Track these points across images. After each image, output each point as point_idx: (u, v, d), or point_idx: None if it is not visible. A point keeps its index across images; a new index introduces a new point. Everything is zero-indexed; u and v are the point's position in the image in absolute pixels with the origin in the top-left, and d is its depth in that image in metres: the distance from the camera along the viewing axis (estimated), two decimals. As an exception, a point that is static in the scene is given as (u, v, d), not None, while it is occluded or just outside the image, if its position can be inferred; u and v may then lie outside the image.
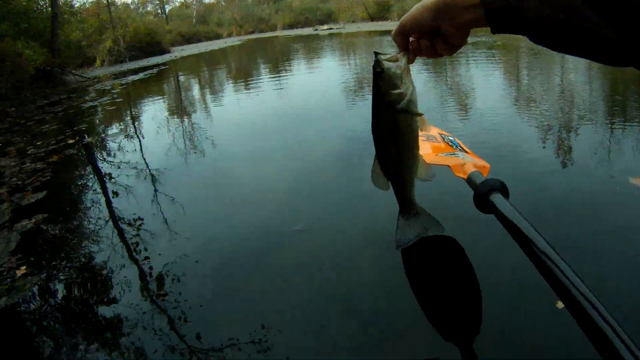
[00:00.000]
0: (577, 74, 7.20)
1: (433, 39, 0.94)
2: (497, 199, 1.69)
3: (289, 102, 7.33)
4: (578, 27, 0.65)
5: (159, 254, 2.71)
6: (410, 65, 1.07)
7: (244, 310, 2.09)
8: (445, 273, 2.26)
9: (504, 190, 1.80)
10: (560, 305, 1.82)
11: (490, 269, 2.17)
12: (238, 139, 5.34)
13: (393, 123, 1.13)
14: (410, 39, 1.00)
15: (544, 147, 3.73)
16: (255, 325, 1.96)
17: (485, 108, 5.27)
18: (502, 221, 1.58)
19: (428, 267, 2.32)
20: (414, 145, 1.19)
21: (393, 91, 1.07)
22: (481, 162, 2.43)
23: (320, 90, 8.01)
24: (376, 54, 1.08)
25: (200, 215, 3.25)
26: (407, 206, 1.36)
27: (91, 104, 9.87)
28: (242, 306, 2.13)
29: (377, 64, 1.06)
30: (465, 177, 2.09)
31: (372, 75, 1.11)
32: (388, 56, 1.07)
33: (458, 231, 2.48)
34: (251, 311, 2.07)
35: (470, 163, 2.28)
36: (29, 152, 5.73)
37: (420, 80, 8.12)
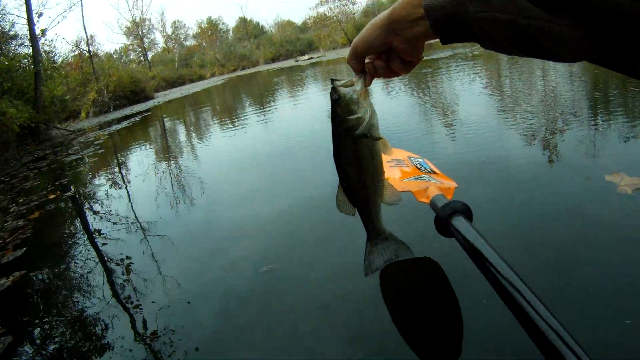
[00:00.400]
0: (556, 84, 7.31)
1: (388, 59, 0.95)
2: (458, 222, 1.68)
3: (274, 137, 7.22)
4: (526, 27, 0.64)
5: (153, 302, 2.66)
6: (368, 87, 1.08)
7: (242, 352, 2.04)
8: (423, 296, 2.20)
9: (466, 212, 1.80)
10: None
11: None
12: (225, 179, 5.34)
13: (354, 149, 1.13)
14: (366, 60, 1.01)
15: (519, 158, 3.71)
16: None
17: (461, 122, 5.36)
18: (462, 245, 1.57)
19: (405, 292, 2.27)
20: (378, 170, 1.19)
21: (351, 117, 1.07)
22: (447, 184, 2.42)
23: (305, 121, 8.14)
24: (332, 80, 1.08)
25: (192, 259, 3.20)
26: (374, 232, 1.35)
27: (75, 156, 9.98)
28: (240, 348, 2.08)
29: (334, 91, 1.07)
30: (428, 201, 2.08)
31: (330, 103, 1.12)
32: (344, 81, 1.07)
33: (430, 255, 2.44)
34: (251, 354, 2.02)
35: (434, 186, 2.27)
36: (11, 210, 5.76)
37: (390, 97, 8.40)
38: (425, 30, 0.81)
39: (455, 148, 4.30)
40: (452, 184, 2.43)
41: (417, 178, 2.45)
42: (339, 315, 2.14)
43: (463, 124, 5.19)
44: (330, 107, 1.10)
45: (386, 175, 2.30)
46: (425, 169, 2.66)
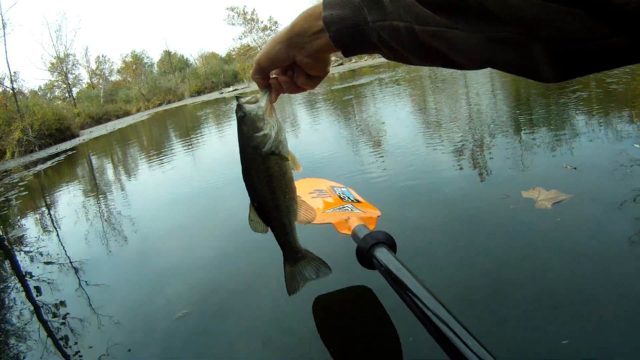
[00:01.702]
0: (477, 103, 7.70)
1: (294, 74, 0.94)
2: (380, 253, 1.62)
3: (201, 172, 7.30)
4: (423, 33, 0.62)
5: (90, 347, 2.62)
6: (274, 103, 1.05)
7: None
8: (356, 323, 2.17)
9: (389, 242, 1.74)
10: None
11: (374, 331, 2.11)
12: (156, 215, 5.26)
13: (263, 167, 1.09)
14: (271, 75, 0.99)
15: (442, 180, 3.75)
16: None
17: (386, 146, 5.52)
18: (385, 277, 1.51)
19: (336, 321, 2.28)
20: (289, 187, 1.15)
21: (257, 134, 1.04)
22: (370, 212, 2.37)
23: (231, 154, 7.77)
24: (237, 98, 1.05)
25: (127, 299, 3.17)
26: (290, 251, 1.31)
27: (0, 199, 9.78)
28: None
29: (239, 108, 1.03)
30: (350, 232, 2.01)
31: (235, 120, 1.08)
32: (248, 98, 1.04)
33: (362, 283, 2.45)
34: None
35: (356, 216, 2.20)
36: None
37: (314, 125, 8.64)
38: (327, 43, 0.79)
39: (380, 173, 4.40)
40: (375, 213, 2.40)
41: (339, 208, 2.38)
42: (283, 346, 2.15)
43: (388, 149, 5.32)
44: (236, 124, 1.07)
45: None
46: (348, 198, 2.62)
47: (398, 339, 1.97)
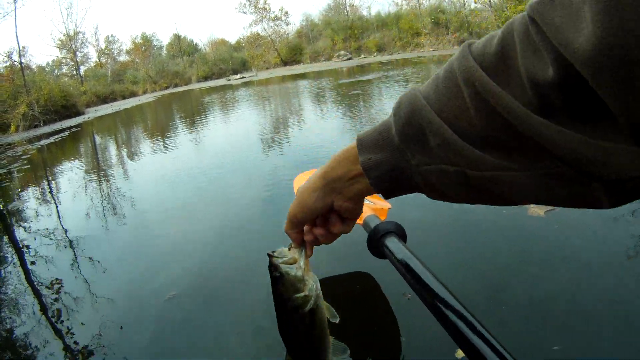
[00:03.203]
0: None
1: (327, 221, 0.88)
2: (391, 242, 1.60)
3: (204, 156, 7.36)
4: (476, 177, 0.59)
5: (82, 323, 2.63)
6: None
7: None
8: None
9: (399, 232, 1.72)
10: (460, 354, 1.80)
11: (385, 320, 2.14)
12: (156, 196, 5.26)
13: (301, 323, 1.04)
14: (305, 227, 0.94)
15: None
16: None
17: None
18: (396, 266, 1.50)
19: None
20: (324, 333, 1.09)
21: (297, 295, 0.98)
22: (380, 204, 2.38)
23: (235, 141, 8.10)
24: (270, 256, 0.99)
25: (122, 278, 3.17)
26: None
27: (1, 171, 9.79)
28: None
29: (274, 268, 0.97)
30: (361, 222, 1.99)
31: (269, 276, 1.01)
32: (284, 258, 0.97)
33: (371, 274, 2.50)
34: None
35: (367, 207, 2.19)
36: None
37: (336, 121, 8.42)
38: (368, 187, 0.74)
39: None
40: (386, 205, 2.40)
41: None
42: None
43: None
44: (271, 282, 0.99)
45: None
46: None
47: (397, 326, 2.04)
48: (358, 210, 0.84)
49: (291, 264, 0.96)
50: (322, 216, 0.88)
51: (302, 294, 0.96)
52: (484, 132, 0.55)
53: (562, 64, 0.42)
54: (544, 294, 2.10)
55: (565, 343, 1.77)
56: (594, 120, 0.44)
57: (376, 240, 1.69)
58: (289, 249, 0.98)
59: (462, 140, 0.58)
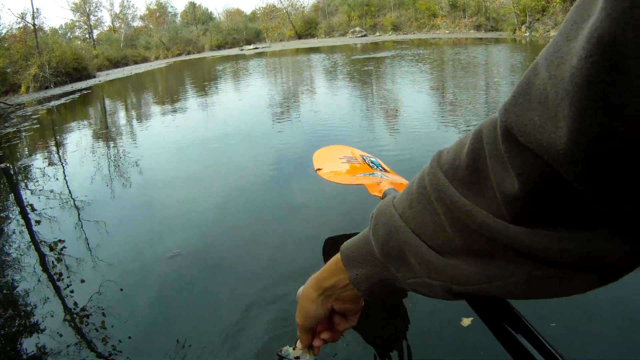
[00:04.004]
0: (498, 85, 7.75)
1: (331, 322, 0.90)
2: None
3: (213, 125, 7.35)
4: (459, 290, 0.59)
5: (82, 281, 2.66)
6: None
7: (170, 337, 2.03)
8: None
9: None
10: (465, 322, 1.85)
11: None
12: (163, 162, 5.28)
13: None
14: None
15: None
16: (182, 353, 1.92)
17: (411, 120, 5.66)
18: None
19: None
20: None
21: None
22: (399, 180, 2.42)
23: (244, 111, 8.13)
24: (280, 357, 1.01)
25: (125, 241, 3.18)
26: None
27: (11, 129, 9.80)
28: (168, 334, 2.06)
29: None
30: (380, 195, 2.06)
31: None
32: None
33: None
34: (178, 339, 2.01)
35: (386, 181, 2.27)
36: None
37: (347, 96, 8.46)
38: (359, 294, 0.76)
39: (403, 147, 4.46)
40: (404, 181, 2.43)
41: (369, 174, 2.47)
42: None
43: (409, 124, 5.46)
44: None
45: (335, 169, 2.73)
46: (377, 166, 2.70)
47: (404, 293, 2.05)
48: (358, 307, 0.85)
49: None
50: (327, 319, 0.88)
51: None
52: (464, 247, 0.55)
53: (526, 179, 0.44)
54: None
55: (560, 321, 1.81)
56: (569, 221, 0.45)
57: None
58: (294, 349, 0.98)
59: (443, 258, 0.58)
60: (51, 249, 3.23)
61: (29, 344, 2.16)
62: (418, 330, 1.89)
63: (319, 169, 2.70)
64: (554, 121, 0.39)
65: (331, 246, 2.74)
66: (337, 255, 0.77)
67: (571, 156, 0.38)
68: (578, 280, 0.48)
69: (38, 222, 3.81)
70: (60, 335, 2.17)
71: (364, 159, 2.77)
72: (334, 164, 2.77)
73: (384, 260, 0.67)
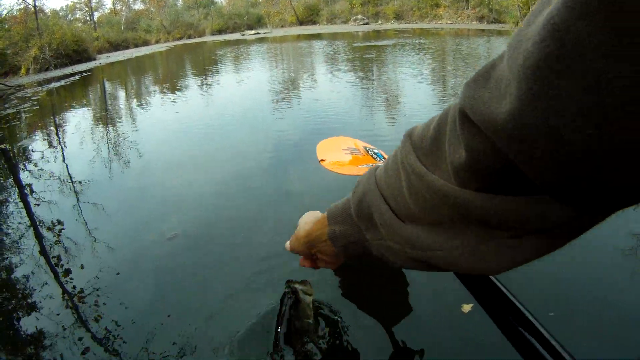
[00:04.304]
0: None
1: (314, 258, 1.02)
2: None
3: (213, 109, 7.18)
4: (416, 255, 0.63)
5: (82, 266, 2.65)
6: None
7: (168, 324, 2.03)
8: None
9: None
10: (466, 309, 1.88)
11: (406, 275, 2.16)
12: (163, 146, 5.29)
13: (298, 340, 1.20)
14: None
15: None
16: (180, 339, 1.91)
17: (412, 110, 5.68)
18: None
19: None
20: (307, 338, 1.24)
21: (304, 320, 1.13)
22: None
23: (244, 97, 8.12)
24: (291, 281, 1.15)
25: (124, 225, 3.18)
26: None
27: (10, 111, 9.80)
28: (165, 320, 2.05)
29: (293, 293, 1.12)
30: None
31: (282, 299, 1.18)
32: (303, 287, 1.12)
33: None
34: (175, 325, 2.01)
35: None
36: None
37: (348, 84, 8.47)
38: (335, 250, 0.85)
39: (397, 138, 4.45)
40: None
41: (372, 165, 2.40)
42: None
43: (410, 114, 5.51)
44: (283, 302, 1.15)
45: (339, 160, 2.77)
46: (380, 158, 2.76)
47: (405, 279, 2.11)
48: (336, 264, 0.96)
49: (308, 294, 1.12)
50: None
51: (308, 320, 1.12)
52: (418, 213, 0.60)
53: (472, 152, 0.47)
54: (537, 289, 2.09)
55: (558, 311, 1.83)
56: (513, 190, 0.47)
57: None
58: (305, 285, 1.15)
59: (402, 222, 0.65)
60: (49, 231, 3.25)
61: (25, 324, 2.17)
62: (418, 315, 1.89)
63: (322, 160, 2.74)
64: (500, 99, 0.41)
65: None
66: (323, 215, 0.89)
67: (507, 133, 0.41)
68: (525, 245, 0.51)
69: (37, 204, 3.82)
70: (59, 317, 2.18)
71: (367, 150, 2.82)
72: (337, 154, 2.81)
73: (357, 220, 0.75)
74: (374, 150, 2.87)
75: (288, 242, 1.09)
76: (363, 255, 0.80)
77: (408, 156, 0.61)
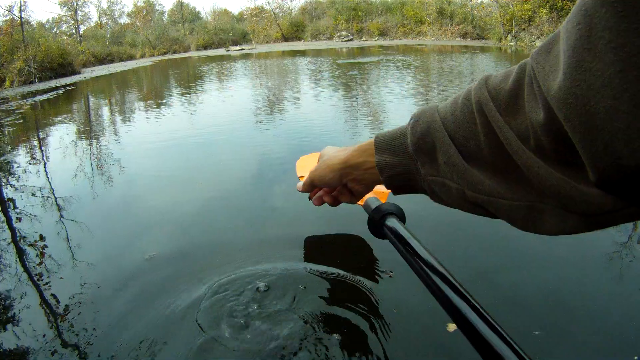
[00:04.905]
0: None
1: (338, 192, 1.02)
2: (391, 223, 1.57)
3: (197, 126, 7.21)
4: (473, 197, 0.65)
5: (62, 278, 2.67)
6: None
7: (149, 336, 2.03)
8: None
9: (399, 214, 1.68)
10: (451, 327, 1.89)
11: (385, 293, 2.20)
12: (145, 162, 5.30)
13: None
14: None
15: None
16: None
17: (396, 122, 5.66)
18: (395, 245, 1.46)
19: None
20: None
21: None
22: (381, 188, 2.51)
23: (229, 115, 8.14)
24: None
25: (106, 240, 3.17)
26: None
27: None
28: (146, 333, 2.06)
29: None
30: (362, 203, 1.95)
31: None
32: None
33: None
34: (155, 339, 2.02)
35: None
36: None
37: (330, 101, 8.54)
38: (379, 179, 0.84)
39: None
40: (386, 190, 2.57)
41: None
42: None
43: (393, 125, 5.56)
44: None
45: None
46: None
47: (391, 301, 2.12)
48: (366, 192, 0.97)
49: None
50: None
51: None
52: (488, 158, 0.62)
53: (548, 109, 0.49)
54: (525, 296, 2.15)
55: (545, 329, 1.86)
56: (577, 164, 0.50)
57: (377, 221, 1.64)
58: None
59: (466, 164, 0.65)
60: (31, 245, 3.22)
61: (7, 341, 2.17)
62: (403, 334, 1.92)
63: (301, 177, 2.65)
64: (556, 73, 0.46)
65: (310, 245, 2.82)
66: (369, 141, 0.86)
67: (557, 101, 0.45)
68: (568, 220, 0.55)
69: (19, 218, 3.79)
70: (42, 334, 2.18)
71: None
72: None
73: (414, 153, 0.74)
74: None
75: (300, 183, 1.08)
76: (405, 188, 0.81)
77: (487, 104, 0.62)
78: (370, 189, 0.96)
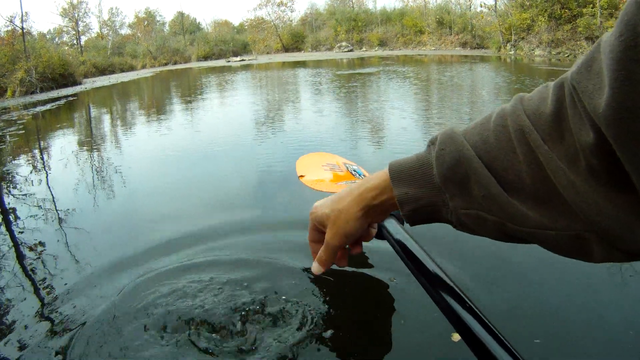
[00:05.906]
0: (483, 99, 7.82)
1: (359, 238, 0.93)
2: (389, 224, 1.57)
3: (199, 138, 7.19)
4: (513, 231, 0.62)
5: (65, 283, 2.59)
6: None
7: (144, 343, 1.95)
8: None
9: (397, 216, 1.68)
10: (456, 338, 1.86)
11: (380, 298, 2.22)
12: (146, 174, 5.23)
13: None
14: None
15: None
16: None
17: (395, 133, 5.78)
18: (393, 246, 1.49)
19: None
20: None
21: None
22: None
23: (231, 127, 8.06)
24: None
25: (106, 252, 3.06)
26: None
27: None
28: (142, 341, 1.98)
29: None
30: None
31: None
32: None
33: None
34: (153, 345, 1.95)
35: None
36: None
37: (330, 111, 8.48)
38: (395, 207, 0.80)
39: (385, 158, 4.27)
40: None
41: (351, 183, 2.41)
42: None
43: (393, 136, 5.60)
44: None
45: (318, 177, 2.74)
46: (360, 175, 2.72)
47: (393, 309, 2.08)
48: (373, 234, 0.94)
49: None
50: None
51: None
52: (530, 188, 0.60)
53: (597, 130, 0.48)
54: (524, 303, 2.13)
55: (546, 337, 1.83)
56: (632, 190, 0.48)
57: None
58: None
59: (507, 195, 0.62)
60: (31, 250, 3.22)
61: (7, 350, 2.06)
62: (408, 344, 1.87)
63: (301, 176, 2.71)
64: (601, 91, 0.45)
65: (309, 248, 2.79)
66: (381, 174, 0.81)
67: (605, 120, 0.44)
68: (614, 252, 0.54)
69: (21, 232, 3.68)
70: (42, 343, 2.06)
71: (347, 167, 2.77)
72: (317, 171, 2.78)
73: (442, 184, 0.70)
74: (354, 167, 2.79)
75: (316, 264, 1.00)
76: (427, 220, 0.77)
77: (529, 132, 0.59)
78: (387, 215, 0.93)
